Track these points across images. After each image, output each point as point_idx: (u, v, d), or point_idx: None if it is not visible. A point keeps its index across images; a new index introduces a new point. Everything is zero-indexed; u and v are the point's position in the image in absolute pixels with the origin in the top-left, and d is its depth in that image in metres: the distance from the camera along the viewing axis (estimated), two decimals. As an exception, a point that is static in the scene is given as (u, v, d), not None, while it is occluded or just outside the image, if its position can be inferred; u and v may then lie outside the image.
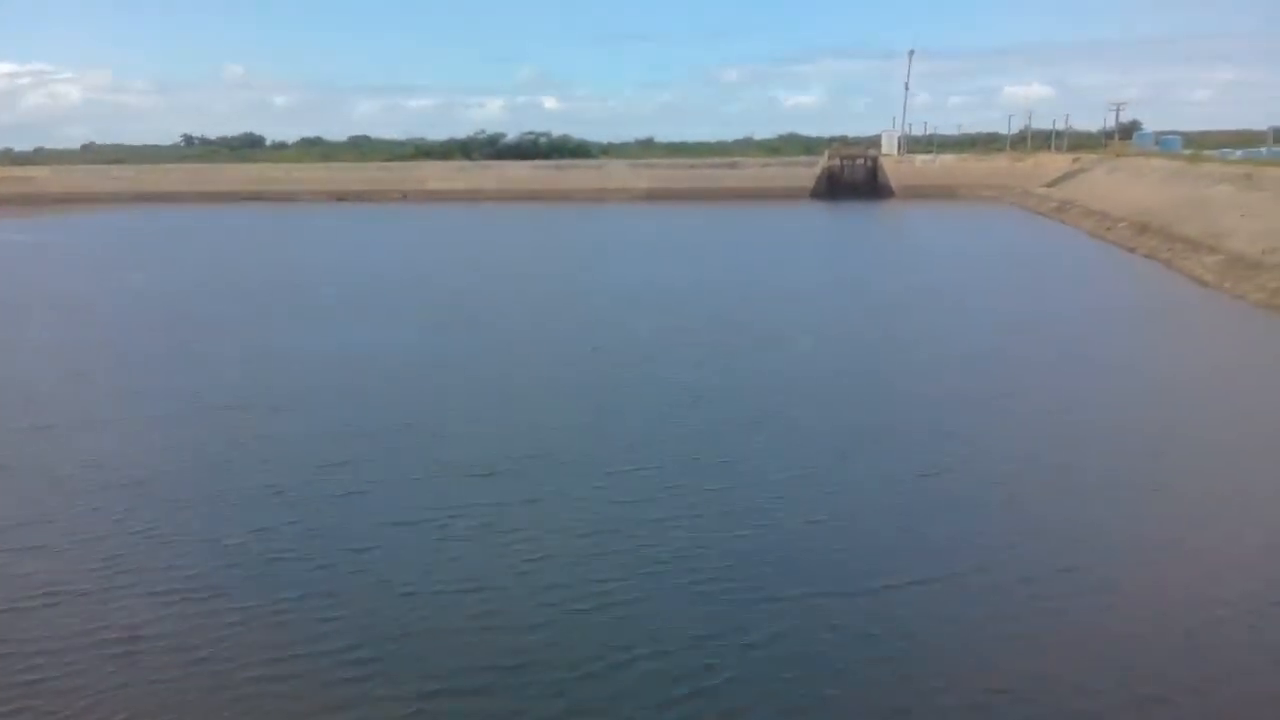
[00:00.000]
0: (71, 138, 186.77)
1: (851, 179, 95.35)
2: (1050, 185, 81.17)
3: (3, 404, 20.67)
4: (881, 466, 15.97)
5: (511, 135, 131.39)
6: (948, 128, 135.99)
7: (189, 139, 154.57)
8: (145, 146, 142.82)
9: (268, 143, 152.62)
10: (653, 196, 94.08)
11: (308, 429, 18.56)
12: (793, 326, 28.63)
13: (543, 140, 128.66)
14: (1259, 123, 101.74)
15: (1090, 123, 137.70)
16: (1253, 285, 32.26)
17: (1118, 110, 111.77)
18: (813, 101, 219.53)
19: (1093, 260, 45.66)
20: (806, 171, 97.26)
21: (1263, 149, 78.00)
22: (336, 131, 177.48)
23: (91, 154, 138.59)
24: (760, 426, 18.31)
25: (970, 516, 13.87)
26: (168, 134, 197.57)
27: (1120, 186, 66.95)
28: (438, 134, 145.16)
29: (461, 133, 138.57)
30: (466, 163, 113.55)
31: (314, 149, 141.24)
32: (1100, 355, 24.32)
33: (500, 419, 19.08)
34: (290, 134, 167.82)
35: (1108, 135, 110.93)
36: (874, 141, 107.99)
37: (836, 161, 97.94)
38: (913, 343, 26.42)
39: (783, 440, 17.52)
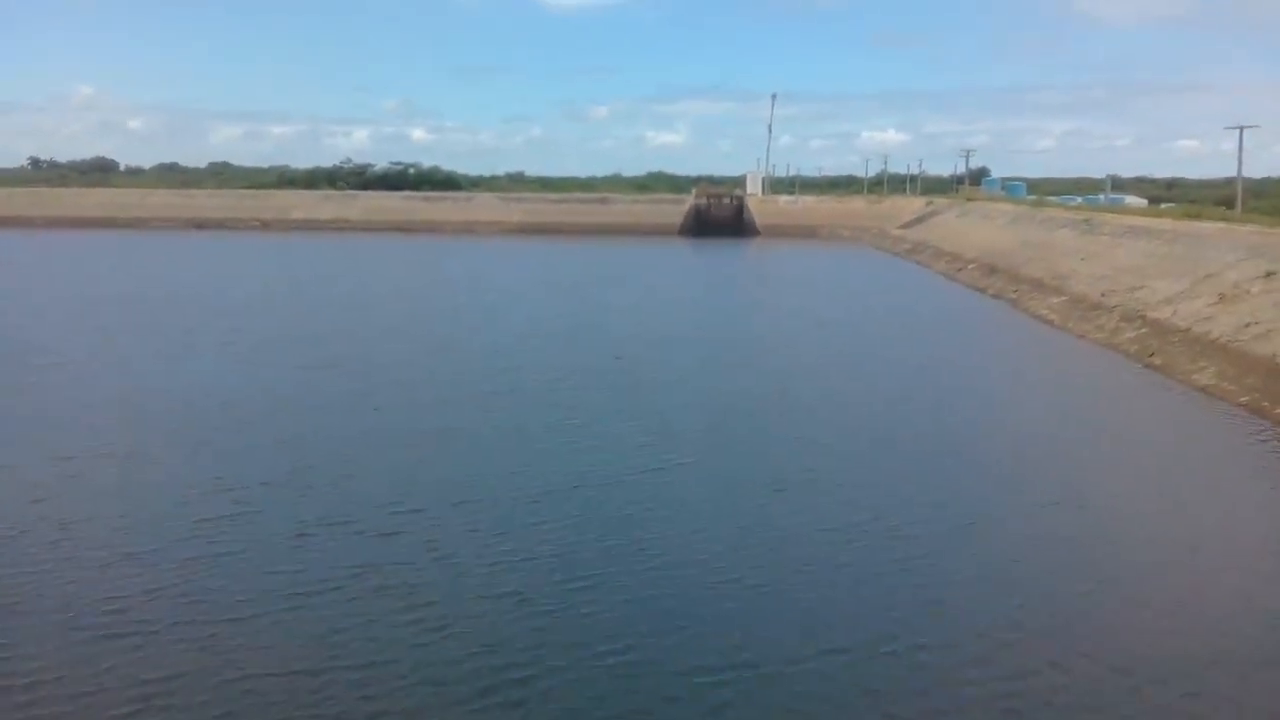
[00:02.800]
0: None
1: (718, 217, 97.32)
2: (905, 227, 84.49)
3: None
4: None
5: (379, 165, 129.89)
6: (809, 169, 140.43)
7: (36, 161, 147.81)
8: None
9: (122, 168, 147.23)
10: (524, 230, 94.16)
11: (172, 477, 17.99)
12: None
13: (411, 171, 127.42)
14: (1097, 171, 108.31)
15: (943, 168, 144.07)
16: (1093, 325, 34.16)
17: (967, 157, 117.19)
18: (679, 140, 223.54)
19: (945, 300, 47.56)
20: (675, 209, 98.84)
21: (1100, 195, 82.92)
22: (196, 158, 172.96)
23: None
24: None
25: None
26: (13, 156, 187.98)
27: (970, 229, 70.16)
28: (302, 162, 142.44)
29: (327, 162, 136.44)
30: (332, 192, 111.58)
31: (172, 175, 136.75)
32: (970, 396, 25.43)
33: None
34: (146, 159, 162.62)
35: (958, 180, 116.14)
36: (739, 181, 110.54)
37: (704, 200, 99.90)
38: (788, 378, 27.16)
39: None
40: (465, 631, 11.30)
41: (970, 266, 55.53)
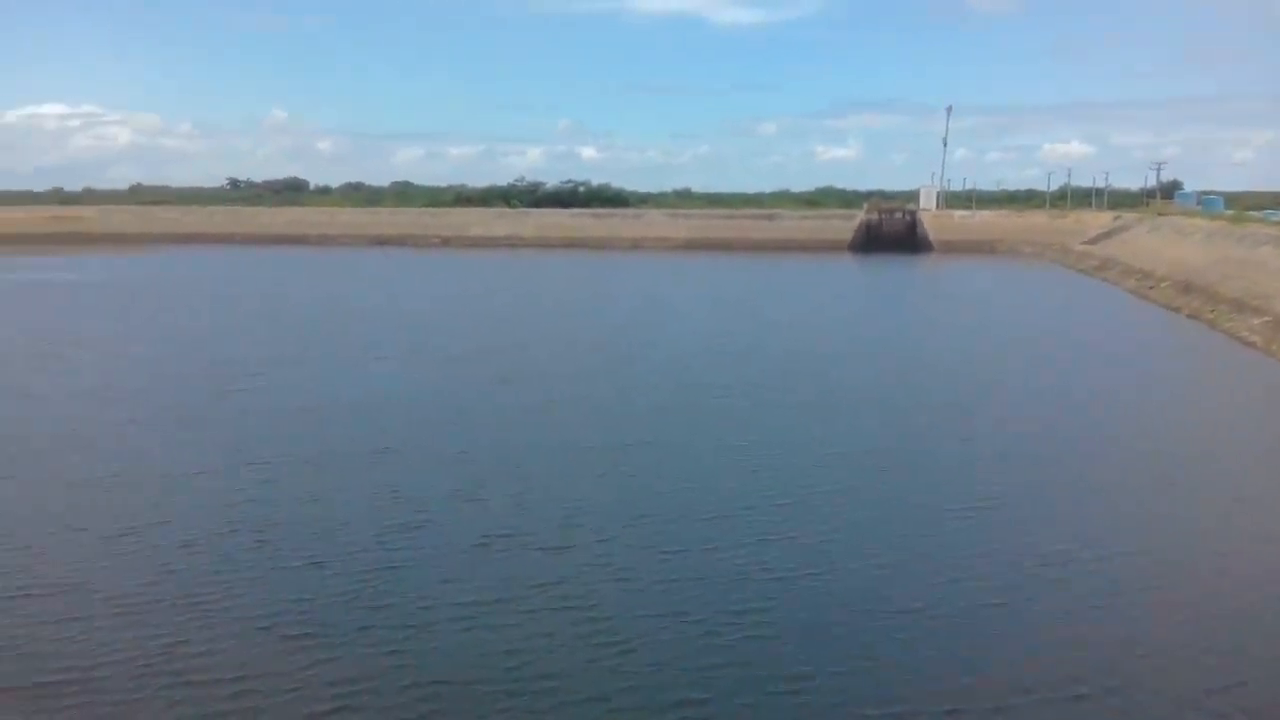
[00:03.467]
0: (120, 179, 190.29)
1: (890, 233, 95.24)
2: (1090, 243, 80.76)
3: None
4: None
5: (551, 183, 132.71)
6: (986, 183, 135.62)
7: (234, 182, 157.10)
8: (190, 189, 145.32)
9: (311, 186, 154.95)
10: (690, 246, 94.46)
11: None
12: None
13: (582, 189, 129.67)
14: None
15: (1130, 181, 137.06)
16: (1301, 347, 31.84)
17: (1158, 169, 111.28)
18: (850, 155, 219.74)
19: (1135, 321, 45.25)
20: (844, 224, 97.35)
21: (1307, 210, 77.33)
22: (379, 177, 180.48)
23: (138, 195, 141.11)
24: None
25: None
26: (213, 177, 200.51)
27: (1162, 245, 66.49)
28: (478, 181, 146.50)
29: (502, 180, 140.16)
30: (506, 209, 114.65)
31: (357, 194, 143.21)
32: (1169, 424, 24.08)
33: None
34: (334, 179, 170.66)
35: (1148, 194, 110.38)
36: (912, 196, 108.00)
37: (875, 215, 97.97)
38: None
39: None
40: (640, 650, 11.31)
41: (1163, 285, 52.63)
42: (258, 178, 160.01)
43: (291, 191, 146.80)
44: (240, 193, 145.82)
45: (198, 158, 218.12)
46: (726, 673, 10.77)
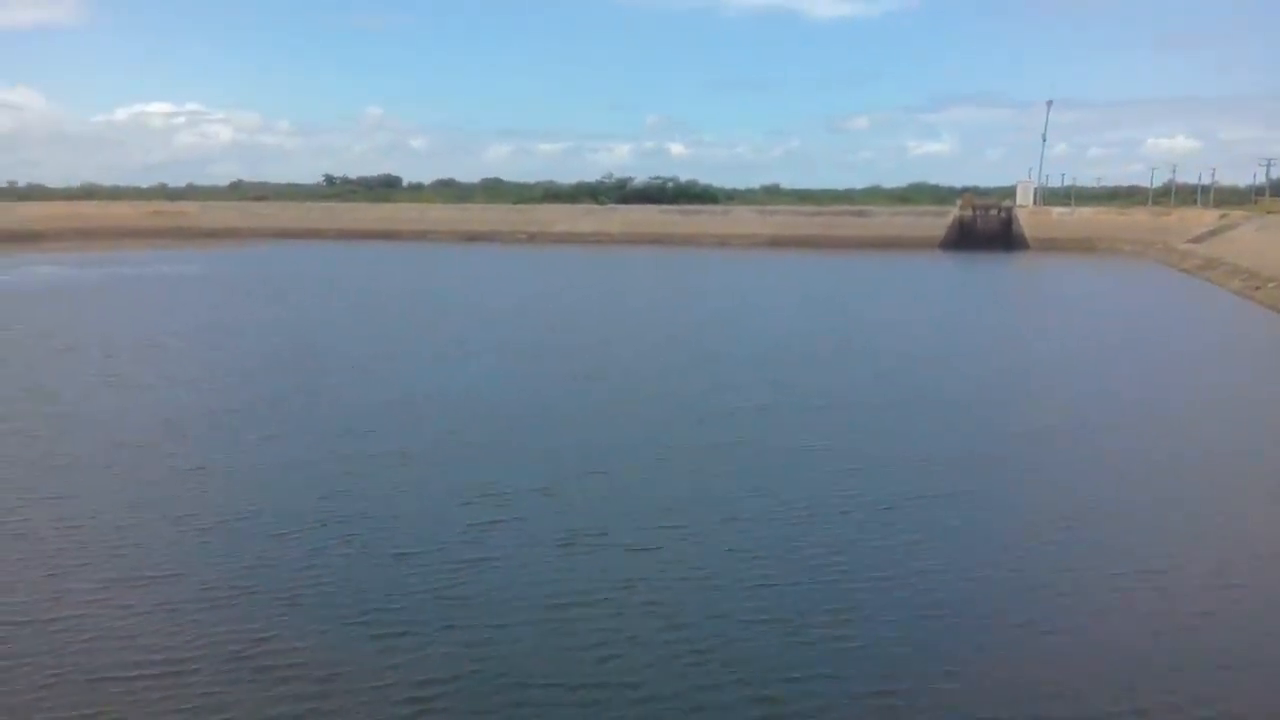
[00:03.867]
0: (221, 175, 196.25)
1: (984, 230, 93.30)
2: (1195, 241, 78.02)
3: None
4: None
5: (639, 180, 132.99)
6: (1086, 180, 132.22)
7: (330, 178, 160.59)
8: (289, 185, 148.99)
9: (404, 183, 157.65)
10: (776, 243, 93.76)
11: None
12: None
13: (669, 185, 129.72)
14: None
15: (1238, 178, 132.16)
16: None
17: (1268, 166, 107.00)
18: (943, 150, 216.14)
19: (1239, 324, 43.52)
20: (937, 221, 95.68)
21: None
22: (470, 173, 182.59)
23: (239, 191, 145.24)
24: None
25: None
26: (310, 173, 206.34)
27: (1271, 244, 63.83)
28: (567, 177, 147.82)
29: (590, 176, 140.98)
30: (594, 206, 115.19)
31: (448, 190, 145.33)
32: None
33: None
34: (426, 175, 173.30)
35: (1257, 191, 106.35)
36: (1008, 192, 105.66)
37: (969, 212, 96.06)
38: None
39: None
40: (725, 655, 11.13)
41: (1270, 285, 50.49)
42: (353, 174, 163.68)
43: (385, 188, 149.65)
44: (336, 189, 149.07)
45: (295, 155, 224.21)
46: (810, 683, 10.54)
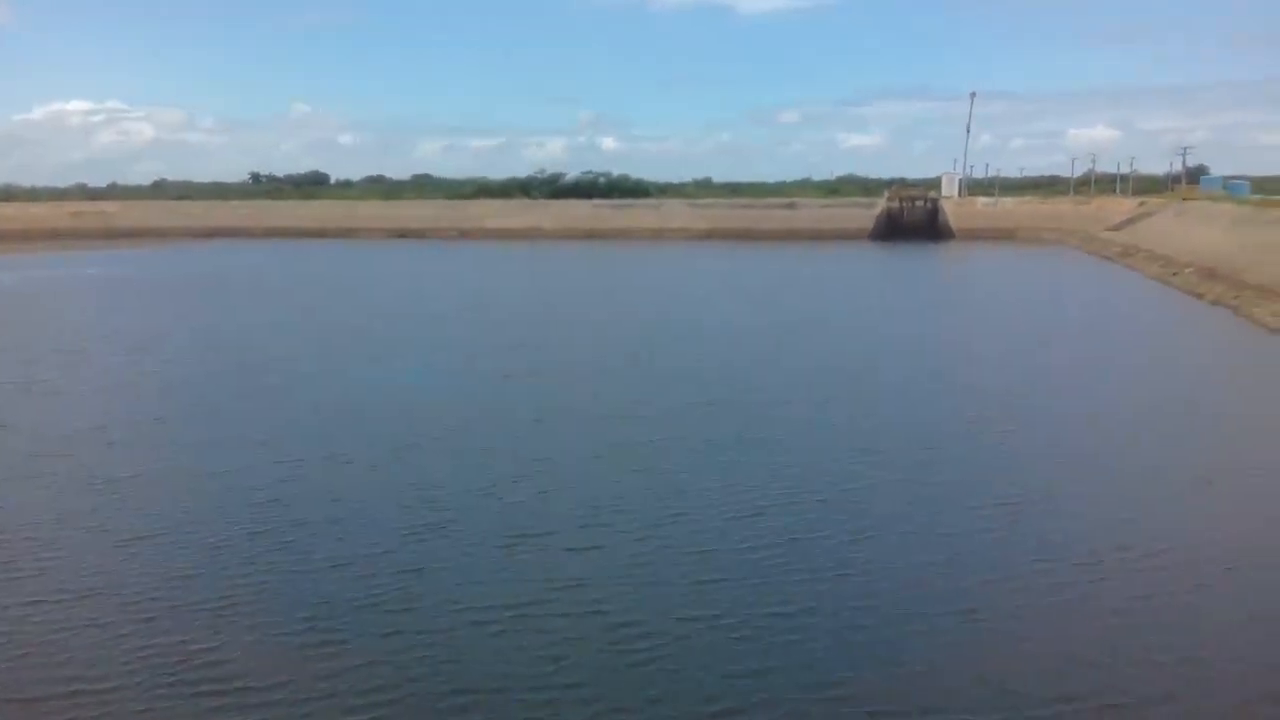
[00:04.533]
0: (143, 174, 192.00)
1: (911, 221, 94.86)
2: (1114, 229, 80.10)
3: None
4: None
5: (571, 175, 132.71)
6: (1010, 170, 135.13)
7: (256, 176, 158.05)
8: (214, 183, 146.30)
9: (332, 180, 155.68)
10: (711, 236, 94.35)
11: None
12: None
13: (602, 180, 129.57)
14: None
15: (1156, 167, 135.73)
16: (1328, 334, 31.46)
17: (1184, 154, 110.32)
18: (872, 143, 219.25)
19: (1157, 307, 44.79)
20: (865, 213, 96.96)
21: (1336, 194, 76.34)
22: (400, 170, 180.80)
23: (162, 190, 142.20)
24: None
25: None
26: (236, 171, 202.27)
27: (1187, 231, 65.83)
28: (499, 173, 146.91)
29: (522, 172, 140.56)
30: (526, 201, 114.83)
31: (377, 187, 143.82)
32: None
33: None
34: (355, 172, 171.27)
35: (1174, 179, 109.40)
36: (934, 183, 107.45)
37: (896, 203, 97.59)
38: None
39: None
40: (672, 654, 11.17)
41: (1186, 271, 52.09)
42: (280, 172, 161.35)
43: (313, 185, 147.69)
44: (262, 187, 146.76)
45: (221, 152, 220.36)
46: (755, 679, 10.64)
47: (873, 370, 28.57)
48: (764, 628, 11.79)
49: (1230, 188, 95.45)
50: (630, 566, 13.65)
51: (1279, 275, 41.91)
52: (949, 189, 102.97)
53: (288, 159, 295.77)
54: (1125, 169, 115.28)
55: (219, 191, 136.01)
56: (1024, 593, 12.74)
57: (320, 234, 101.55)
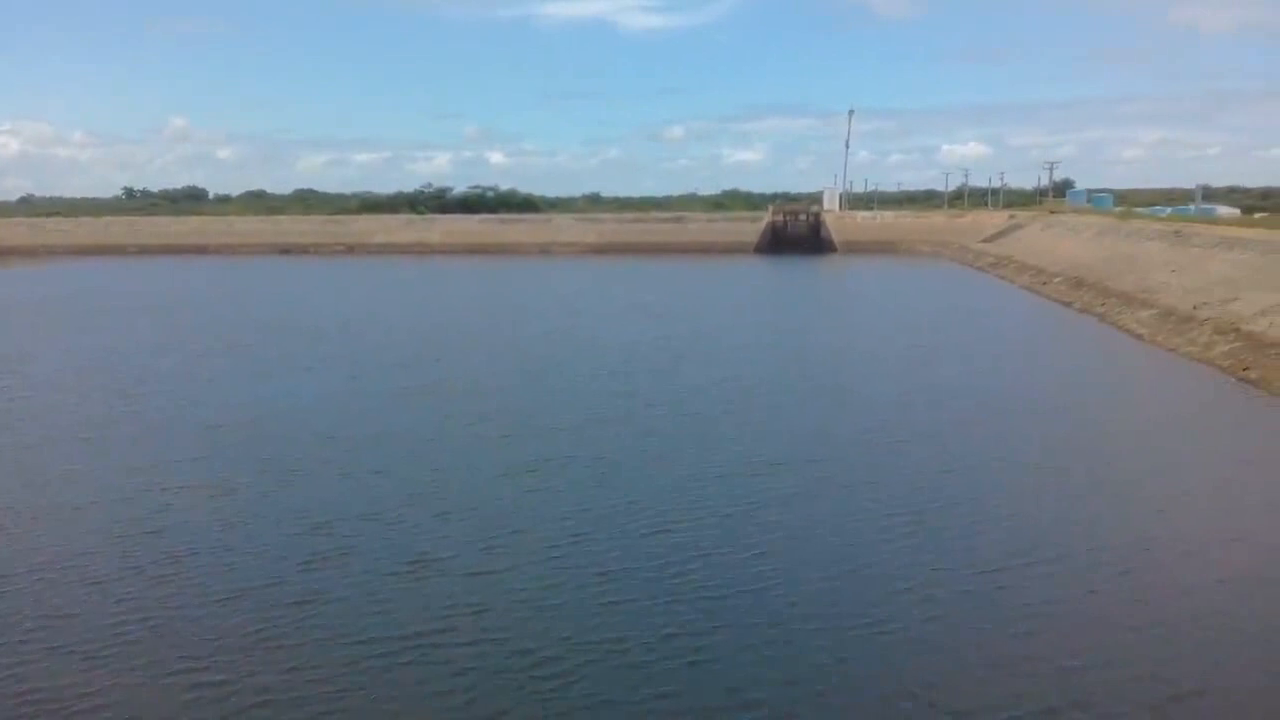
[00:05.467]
0: (9, 190, 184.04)
1: (795, 234, 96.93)
2: (987, 241, 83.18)
3: None
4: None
5: (458, 189, 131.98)
6: (888, 185, 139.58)
7: (130, 192, 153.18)
8: (85, 199, 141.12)
9: (211, 196, 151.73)
10: (600, 250, 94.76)
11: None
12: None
13: (490, 194, 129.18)
14: (1186, 181, 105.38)
15: (1025, 181, 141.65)
16: (1185, 339, 33.27)
17: (1051, 169, 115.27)
18: (756, 158, 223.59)
19: (1030, 315, 46.65)
20: (751, 227, 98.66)
21: (1190, 206, 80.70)
22: (281, 185, 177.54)
23: (30, 206, 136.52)
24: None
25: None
26: (108, 186, 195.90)
27: (1055, 243, 68.83)
28: (384, 188, 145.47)
29: (408, 186, 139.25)
30: (413, 216, 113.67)
31: (258, 202, 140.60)
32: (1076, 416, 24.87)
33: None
34: (234, 187, 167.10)
35: (1042, 193, 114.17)
36: (816, 198, 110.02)
37: (780, 217, 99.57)
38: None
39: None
40: (581, 679, 11.03)
41: (1056, 280, 54.47)
42: (155, 187, 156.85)
43: (190, 200, 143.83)
44: (137, 202, 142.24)
45: (92, 167, 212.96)
46: (665, 701, 10.64)
47: (771, 383, 28.93)
48: (671, 648, 11.74)
49: (1094, 200, 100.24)
50: (533, 590, 13.45)
51: (1140, 284, 44.19)
52: (830, 203, 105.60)
53: (163, 174, 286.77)
54: (996, 183, 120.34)
55: (91, 207, 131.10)
56: (930, 603, 12.93)
57: (199, 250, 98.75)
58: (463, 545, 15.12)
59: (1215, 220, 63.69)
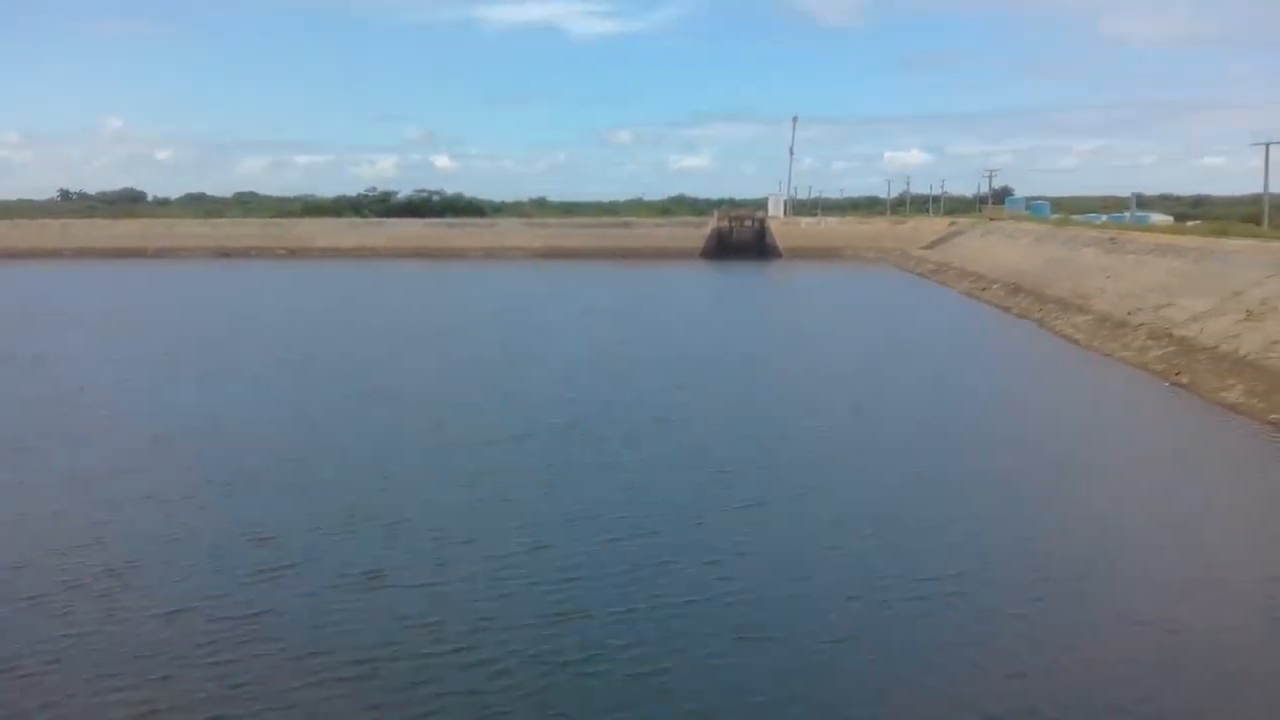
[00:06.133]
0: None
1: (740, 240, 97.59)
2: (928, 247, 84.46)
3: None
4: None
5: (403, 193, 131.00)
6: (831, 191, 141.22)
7: (66, 194, 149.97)
8: (20, 201, 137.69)
9: (149, 198, 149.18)
10: (546, 255, 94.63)
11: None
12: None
13: (435, 198, 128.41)
14: (1122, 189, 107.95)
15: (965, 188, 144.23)
16: (1119, 344, 34.09)
17: (990, 176, 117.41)
18: (702, 164, 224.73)
19: (969, 320, 47.44)
20: (697, 232, 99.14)
21: (1125, 214, 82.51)
22: (222, 188, 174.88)
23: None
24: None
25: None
26: (44, 188, 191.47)
27: (993, 249, 70.08)
28: (328, 191, 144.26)
29: (352, 190, 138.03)
30: (357, 220, 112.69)
31: (198, 205, 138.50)
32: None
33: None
34: (173, 190, 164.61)
35: (981, 200, 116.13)
36: (761, 204, 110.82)
37: (725, 223, 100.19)
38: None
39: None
40: (537, 695, 10.82)
41: (994, 286, 55.46)
42: (91, 189, 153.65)
43: (128, 203, 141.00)
44: (72, 205, 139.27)
45: (26, 169, 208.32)
46: (621, 714, 10.52)
47: (724, 389, 28.92)
48: (624, 659, 11.60)
49: (1032, 208, 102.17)
50: (484, 603, 13.16)
51: (1076, 289, 45.18)
52: (775, 209, 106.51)
53: (100, 176, 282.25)
54: (937, 190, 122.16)
55: (25, 209, 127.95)
56: (891, 613, 12.89)
57: (138, 254, 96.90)
58: (412, 557, 14.79)
59: (1149, 227, 65.21)
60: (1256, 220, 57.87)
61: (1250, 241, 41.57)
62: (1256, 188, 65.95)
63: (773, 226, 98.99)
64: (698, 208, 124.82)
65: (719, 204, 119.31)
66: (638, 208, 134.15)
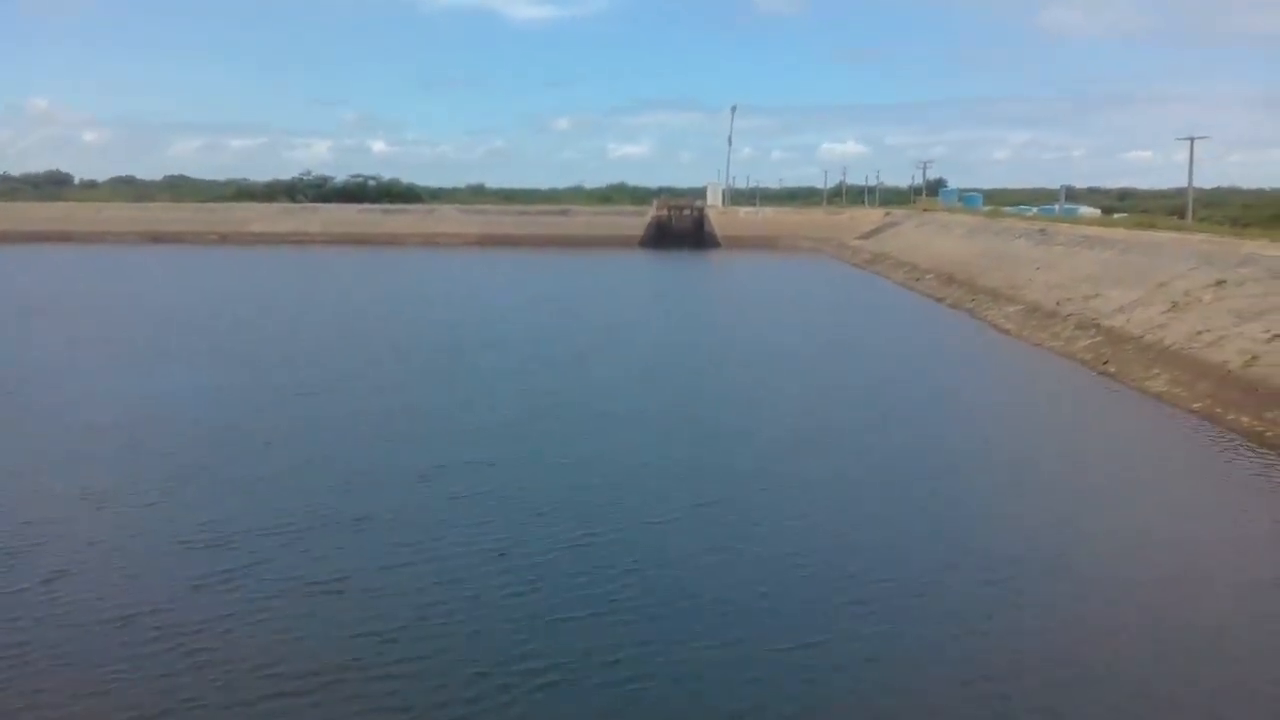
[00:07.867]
0: None
1: (679, 229, 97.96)
2: (864, 238, 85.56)
3: None
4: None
5: (339, 178, 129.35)
6: (770, 181, 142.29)
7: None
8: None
9: (76, 181, 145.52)
10: (485, 242, 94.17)
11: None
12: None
13: (371, 184, 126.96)
14: (1052, 181, 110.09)
15: (900, 179, 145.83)
16: (1049, 334, 34.94)
17: (924, 168, 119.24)
18: (641, 152, 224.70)
19: (905, 311, 48.21)
20: (636, 221, 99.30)
21: (1055, 206, 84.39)
22: (152, 171, 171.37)
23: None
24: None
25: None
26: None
27: (928, 240, 71.22)
28: (261, 175, 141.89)
29: (286, 174, 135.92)
30: (291, 205, 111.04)
31: (127, 189, 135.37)
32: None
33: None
34: (102, 173, 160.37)
35: (916, 191, 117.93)
36: (700, 193, 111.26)
37: (665, 212, 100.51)
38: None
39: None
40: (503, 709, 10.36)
41: (928, 277, 56.37)
42: (15, 171, 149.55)
43: (54, 186, 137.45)
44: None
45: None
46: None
47: (676, 380, 28.99)
48: (596, 667, 11.20)
49: (965, 199, 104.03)
50: (450, 612, 12.48)
51: (1007, 280, 46.13)
52: (713, 199, 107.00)
53: (24, 158, 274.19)
54: (873, 181, 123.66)
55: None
56: (861, 617, 12.64)
57: (64, 238, 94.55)
58: (369, 560, 14.04)
59: (1078, 220, 66.80)
60: (1181, 213, 59.59)
61: (1175, 234, 42.82)
62: (1181, 181, 67.90)
63: (711, 216, 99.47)
64: (637, 196, 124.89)
65: (658, 192, 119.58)
66: (577, 195, 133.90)
